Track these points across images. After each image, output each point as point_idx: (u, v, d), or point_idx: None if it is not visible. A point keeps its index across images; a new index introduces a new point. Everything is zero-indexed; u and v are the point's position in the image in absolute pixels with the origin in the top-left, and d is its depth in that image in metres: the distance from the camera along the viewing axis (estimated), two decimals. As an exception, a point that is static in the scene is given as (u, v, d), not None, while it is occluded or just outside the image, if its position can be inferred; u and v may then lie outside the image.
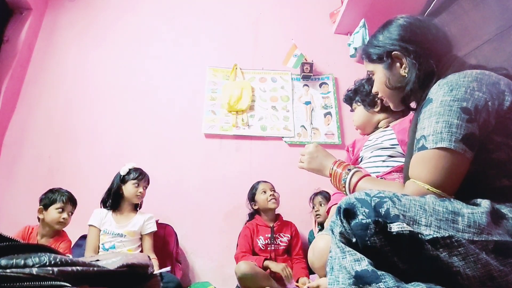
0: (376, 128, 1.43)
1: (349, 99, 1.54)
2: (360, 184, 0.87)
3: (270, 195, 1.92)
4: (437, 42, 0.87)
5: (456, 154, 0.70)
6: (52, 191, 1.69)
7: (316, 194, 2.04)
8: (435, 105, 0.74)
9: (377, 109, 1.41)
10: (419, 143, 0.75)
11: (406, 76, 0.88)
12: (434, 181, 0.70)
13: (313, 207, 2.03)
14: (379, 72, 0.96)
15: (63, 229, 1.71)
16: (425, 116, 0.76)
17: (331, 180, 0.98)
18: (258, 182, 2.01)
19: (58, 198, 1.64)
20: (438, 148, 0.71)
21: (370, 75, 1.02)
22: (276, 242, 1.89)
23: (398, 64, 0.90)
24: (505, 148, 0.72)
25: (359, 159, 1.40)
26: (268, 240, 1.88)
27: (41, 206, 1.64)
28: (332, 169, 0.97)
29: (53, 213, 1.62)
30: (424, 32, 0.88)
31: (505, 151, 0.72)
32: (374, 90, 1.03)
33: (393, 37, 0.90)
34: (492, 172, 0.72)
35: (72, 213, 1.69)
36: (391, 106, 1.00)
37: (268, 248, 1.87)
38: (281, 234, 1.92)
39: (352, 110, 1.56)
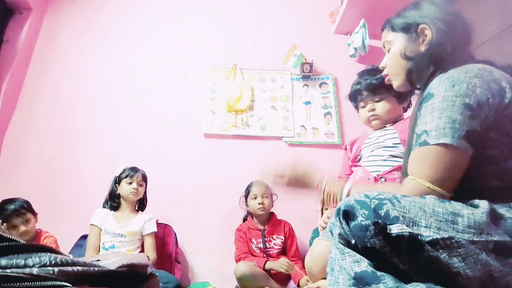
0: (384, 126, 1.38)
1: (381, 87, 1.30)
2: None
3: (260, 203, 1.85)
4: (461, 33, 0.86)
5: (458, 151, 0.70)
6: None
7: None
8: (437, 100, 0.74)
9: (405, 105, 1.38)
10: (421, 138, 0.74)
11: (423, 52, 0.87)
12: (434, 178, 0.70)
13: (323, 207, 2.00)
14: (399, 41, 0.93)
15: (43, 229, 1.71)
16: (427, 111, 0.75)
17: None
18: (252, 183, 1.95)
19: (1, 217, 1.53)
20: (440, 144, 0.70)
21: (385, 46, 0.98)
22: (270, 245, 1.85)
23: (421, 40, 0.89)
24: (499, 145, 0.72)
25: (358, 157, 1.39)
26: (261, 244, 1.84)
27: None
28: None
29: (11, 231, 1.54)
30: (454, 17, 0.87)
31: (499, 148, 0.72)
32: (382, 64, 1.00)
33: (424, 13, 0.89)
34: (488, 169, 0.72)
35: (29, 219, 1.62)
36: (394, 84, 0.97)
37: (262, 254, 1.82)
38: (273, 237, 1.87)
39: (369, 97, 1.38)
